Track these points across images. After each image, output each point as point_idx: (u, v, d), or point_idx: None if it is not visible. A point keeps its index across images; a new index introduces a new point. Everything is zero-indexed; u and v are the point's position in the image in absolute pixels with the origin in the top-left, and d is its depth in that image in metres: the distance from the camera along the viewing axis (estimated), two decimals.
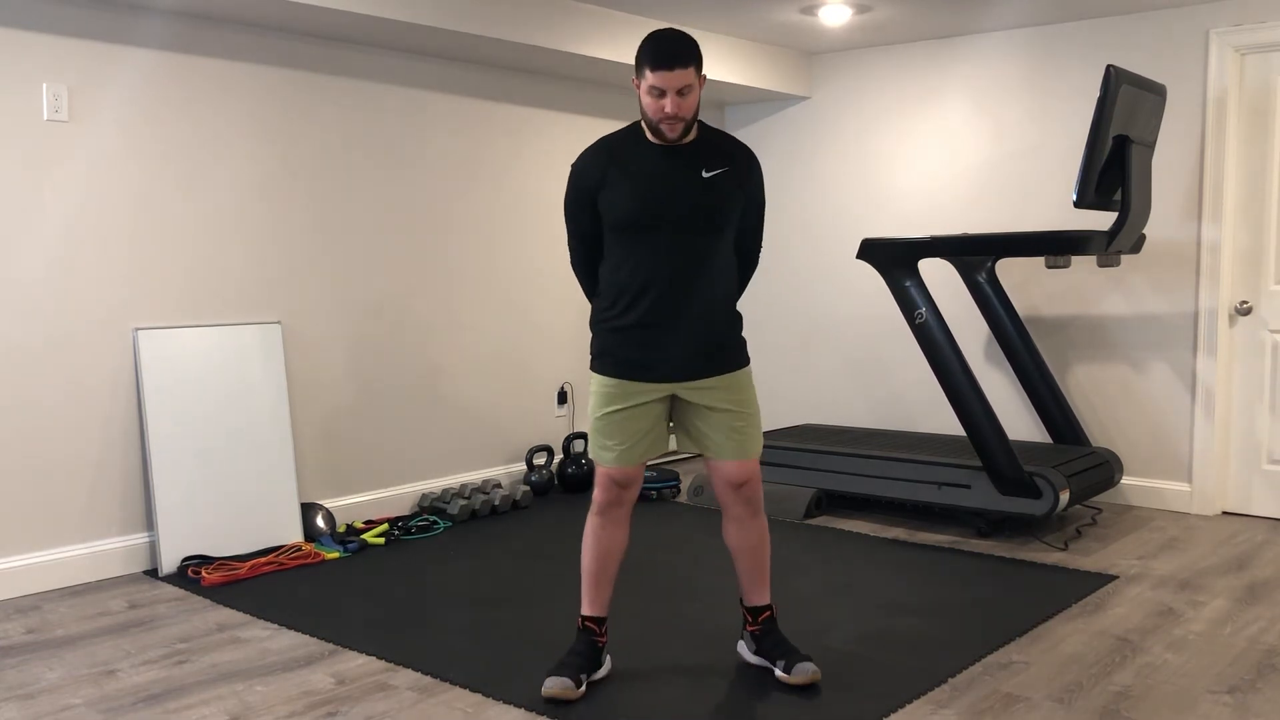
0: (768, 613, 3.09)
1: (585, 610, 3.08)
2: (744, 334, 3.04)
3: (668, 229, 2.85)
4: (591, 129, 5.80)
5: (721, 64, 5.67)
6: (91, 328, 4.00)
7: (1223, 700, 2.90)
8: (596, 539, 3.06)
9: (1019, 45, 5.44)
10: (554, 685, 2.89)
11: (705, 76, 2.84)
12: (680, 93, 2.75)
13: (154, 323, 4.17)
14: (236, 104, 4.36)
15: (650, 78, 2.75)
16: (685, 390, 2.92)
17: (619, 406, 2.91)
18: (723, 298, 2.95)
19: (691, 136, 2.89)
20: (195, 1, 3.99)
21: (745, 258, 3.06)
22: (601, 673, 3.04)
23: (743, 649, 3.18)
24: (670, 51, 2.73)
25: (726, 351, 2.95)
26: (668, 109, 2.76)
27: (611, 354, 2.93)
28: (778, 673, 3.00)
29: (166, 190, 4.18)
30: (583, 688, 2.94)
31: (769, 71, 5.92)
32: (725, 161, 2.89)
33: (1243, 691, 2.96)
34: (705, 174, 2.87)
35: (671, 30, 2.78)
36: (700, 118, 2.92)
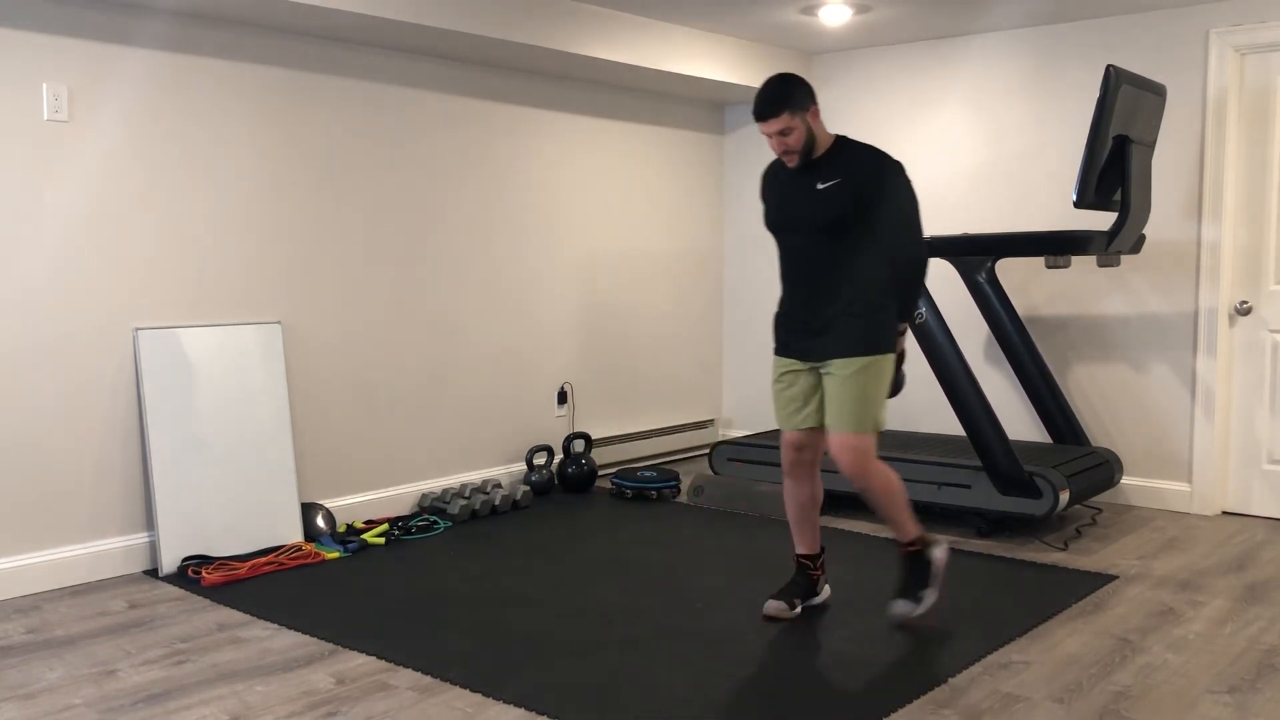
0: (822, 554, 3.68)
1: (797, 550, 3.64)
2: (867, 331, 3.35)
3: (797, 232, 3.43)
4: (592, 129, 5.80)
5: (721, 64, 5.67)
6: (91, 328, 4.00)
7: (1223, 700, 2.90)
8: (789, 496, 3.60)
9: (1019, 45, 5.44)
10: (772, 606, 3.55)
11: (812, 109, 3.32)
12: (781, 134, 3.32)
13: (154, 323, 4.17)
14: (236, 104, 4.36)
15: (758, 126, 3.36)
16: (819, 367, 3.44)
17: (775, 378, 3.55)
18: (839, 293, 3.37)
19: (820, 153, 3.38)
20: (195, 1, 3.99)
21: (892, 256, 3.37)
22: (818, 599, 3.64)
23: (777, 609, 3.58)
24: (759, 108, 3.32)
25: (826, 340, 3.39)
26: (776, 148, 3.38)
27: (775, 334, 3.57)
28: (820, 599, 3.68)
29: (166, 190, 4.18)
30: (797, 609, 3.57)
31: (769, 71, 5.92)
32: (840, 174, 3.34)
33: (1243, 691, 2.96)
34: (820, 186, 3.36)
35: (768, 82, 3.33)
36: (813, 129, 3.36)
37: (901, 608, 3.48)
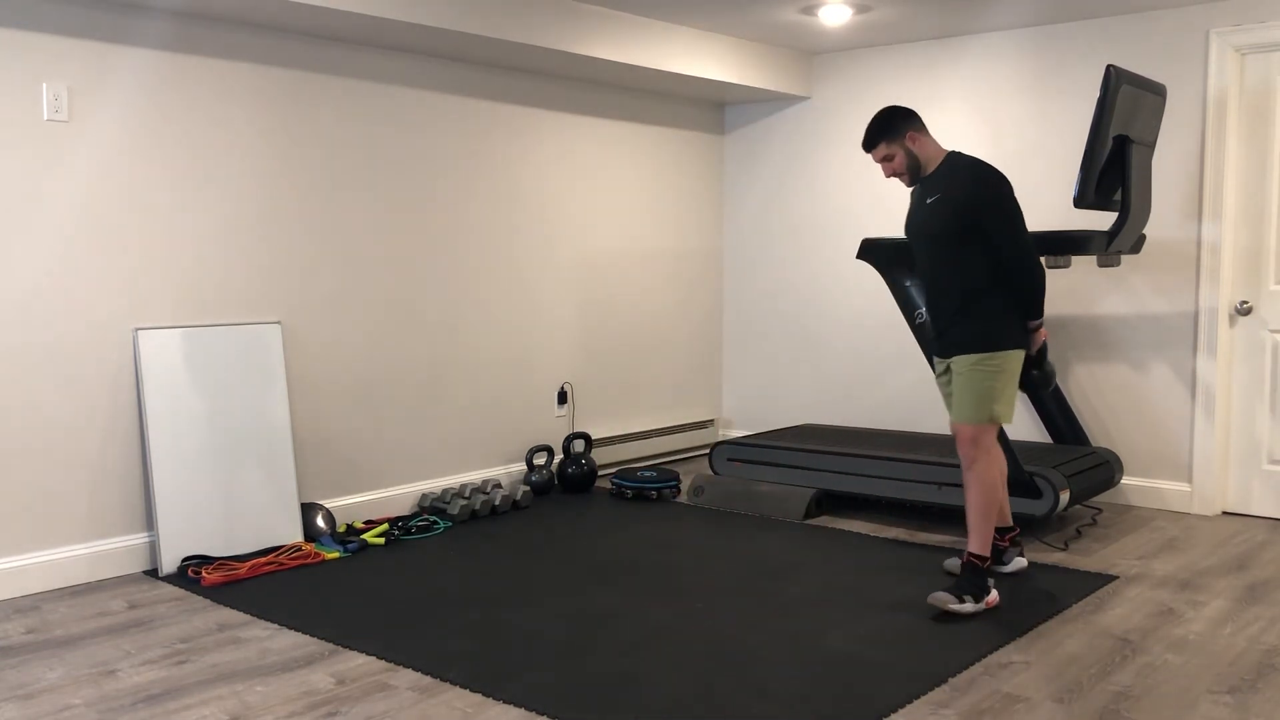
0: (1015, 531, 4.03)
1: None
2: (980, 329, 3.65)
3: (917, 241, 3.80)
4: (592, 129, 5.80)
5: (721, 64, 5.67)
6: (91, 328, 4.00)
7: (1223, 700, 2.90)
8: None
9: (1019, 45, 5.44)
10: (951, 561, 4.06)
11: (909, 134, 3.69)
12: (885, 160, 3.74)
13: (154, 323, 4.17)
14: (237, 104, 4.36)
15: None
16: (950, 364, 3.79)
17: (937, 374, 3.94)
18: (951, 297, 3.70)
19: (930, 171, 3.74)
20: (195, 1, 3.99)
21: (1005, 263, 3.64)
22: (1007, 569, 3.97)
23: (954, 565, 4.05)
24: (863, 142, 3.78)
25: (954, 339, 3.73)
26: (885, 173, 3.78)
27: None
28: (1000, 568, 4.01)
29: (166, 190, 4.18)
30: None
31: (769, 71, 5.92)
32: (941, 188, 3.68)
33: (1243, 691, 2.96)
34: (928, 201, 3.71)
35: (874, 116, 3.75)
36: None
37: (941, 597, 3.60)
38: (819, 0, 4.97)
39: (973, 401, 3.66)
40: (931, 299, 3.80)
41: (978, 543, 3.68)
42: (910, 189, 3.91)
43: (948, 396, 3.84)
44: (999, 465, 3.71)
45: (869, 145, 3.75)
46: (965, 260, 3.66)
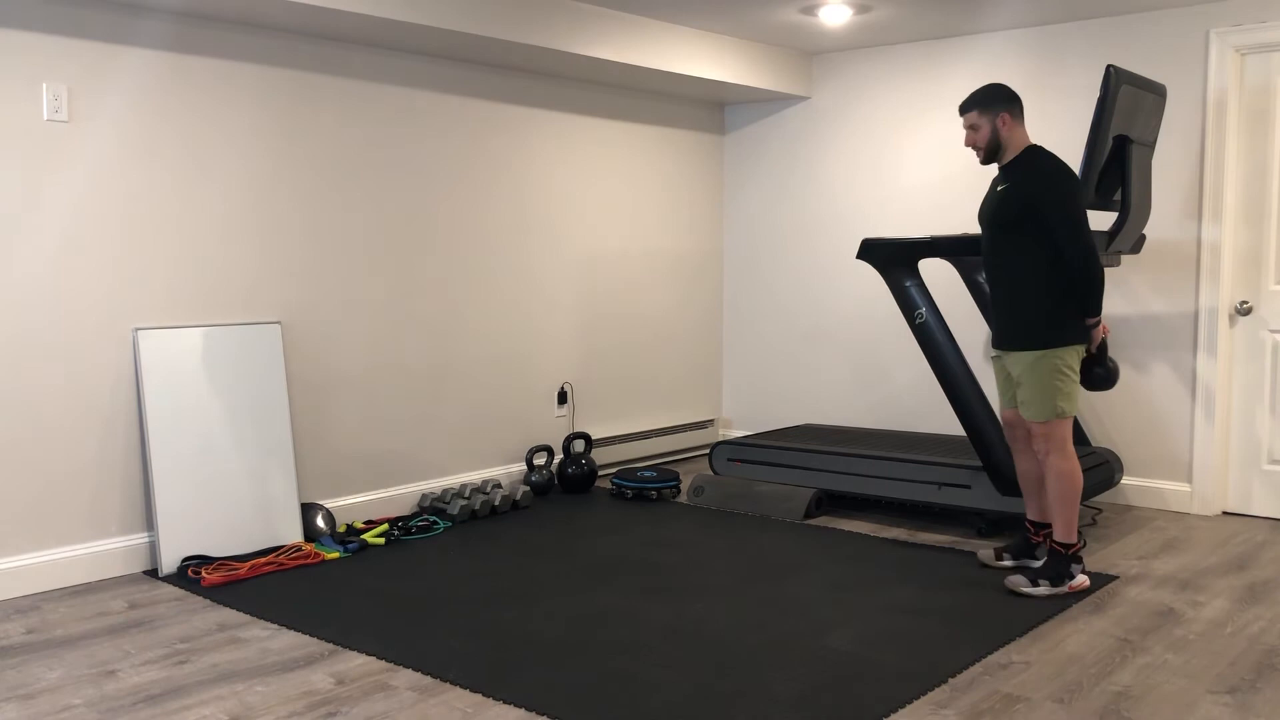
0: (1048, 529, 3.97)
1: (1027, 514, 4.09)
2: (1038, 325, 3.74)
3: (983, 227, 3.89)
4: (592, 129, 5.80)
5: (721, 64, 5.67)
6: (91, 328, 4.00)
7: (1223, 700, 2.90)
8: (1017, 467, 4.05)
9: (1019, 45, 5.44)
10: (984, 553, 4.13)
11: (1003, 115, 3.76)
12: (971, 128, 3.83)
13: (154, 323, 4.17)
14: (236, 104, 4.36)
15: None
16: (1005, 355, 3.88)
17: (993, 357, 4.01)
18: (1013, 286, 3.78)
19: (1007, 159, 3.81)
20: (195, 1, 3.99)
21: (1066, 261, 3.69)
22: (1036, 564, 3.92)
23: (989, 557, 4.11)
24: (963, 101, 3.85)
25: (1010, 332, 3.82)
26: (966, 141, 3.88)
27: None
28: (1024, 564, 4.05)
29: (166, 190, 4.18)
30: (1005, 561, 4.07)
31: (769, 71, 5.93)
32: (1013, 177, 3.77)
33: (1243, 691, 2.96)
34: (999, 189, 3.81)
35: (988, 84, 3.89)
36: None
37: (1018, 579, 3.76)
38: (819, 0, 4.97)
39: (1038, 398, 3.76)
40: (992, 288, 3.88)
41: (1062, 530, 3.79)
42: (991, 178, 3.99)
43: (1001, 383, 3.97)
44: (1070, 467, 3.78)
45: (964, 109, 3.83)
46: (1026, 252, 3.74)
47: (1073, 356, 3.77)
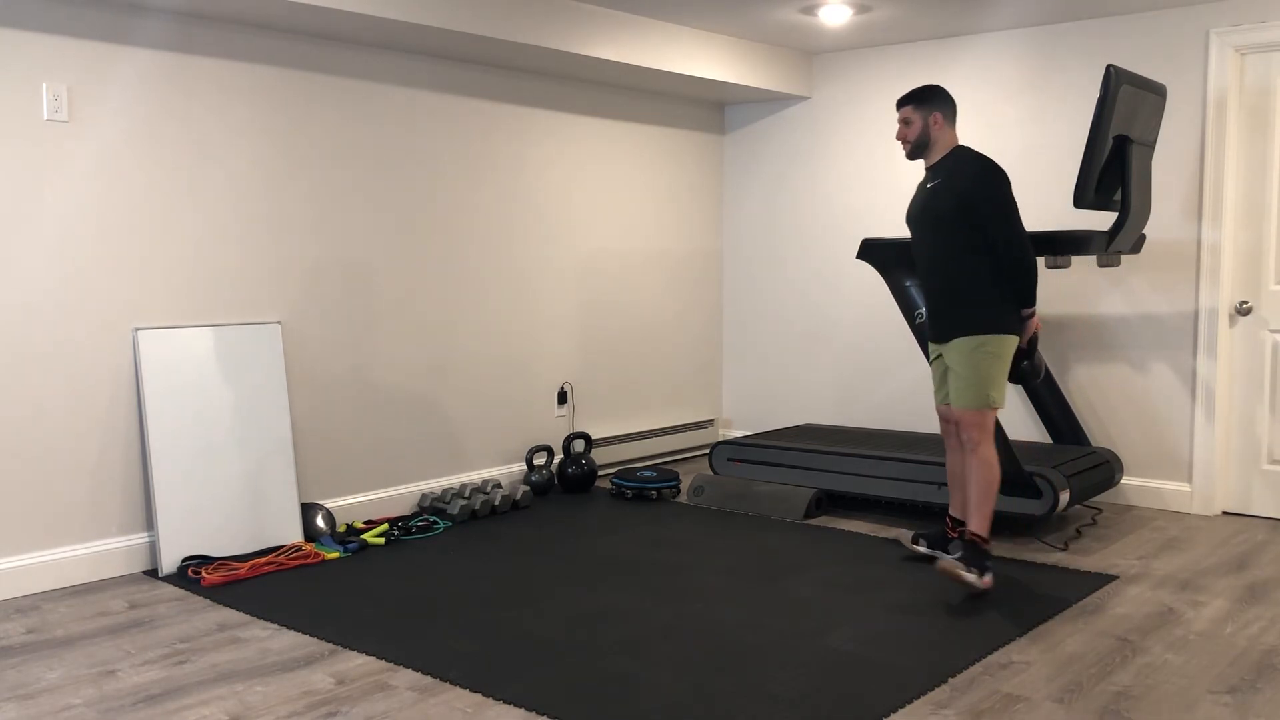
0: (964, 527, 3.95)
1: (949, 508, 4.15)
2: (976, 313, 3.78)
3: (913, 225, 3.95)
4: (592, 129, 5.80)
5: (721, 64, 5.67)
6: (91, 328, 4.00)
7: (1223, 700, 2.90)
8: (947, 461, 4.12)
9: (1019, 45, 5.44)
10: (905, 534, 4.31)
11: (935, 115, 3.83)
12: (904, 121, 3.88)
13: (154, 323, 4.17)
14: (237, 104, 4.36)
15: None
16: (944, 349, 3.91)
17: (931, 358, 4.04)
18: (951, 280, 3.82)
19: (935, 158, 3.88)
20: (195, 1, 3.99)
21: (1000, 253, 3.75)
22: (946, 559, 3.83)
23: (909, 538, 4.24)
24: (901, 96, 3.91)
25: (950, 323, 3.85)
26: (897, 134, 3.94)
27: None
28: (939, 555, 4.13)
29: (167, 190, 4.18)
30: (919, 547, 4.21)
31: (769, 71, 5.93)
32: (943, 175, 3.83)
33: (1243, 691, 2.96)
34: (929, 186, 3.87)
35: (927, 85, 3.90)
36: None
37: (951, 562, 3.75)
38: (819, 0, 4.97)
39: (971, 386, 3.80)
40: (927, 285, 3.92)
41: (979, 523, 3.81)
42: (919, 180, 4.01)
43: (937, 378, 4.00)
44: (994, 459, 3.84)
45: (901, 103, 3.90)
46: (961, 247, 3.79)
47: (1007, 347, 3.80)
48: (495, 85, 5.30)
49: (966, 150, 3.86)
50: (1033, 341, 3.89)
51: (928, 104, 3.85)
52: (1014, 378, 3.92)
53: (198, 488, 4.18)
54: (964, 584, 3.72)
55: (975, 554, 3.79)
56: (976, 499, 3.82)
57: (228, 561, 4.12)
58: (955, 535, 4.08)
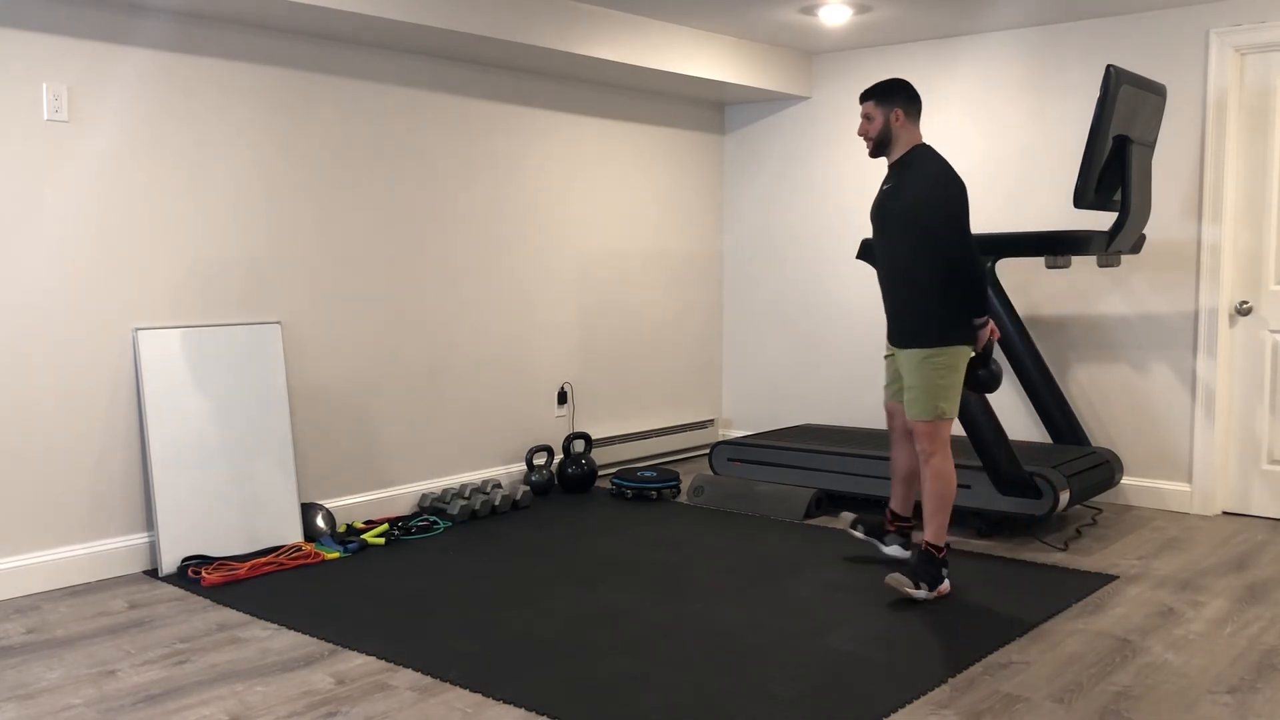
0: (906, 523, 4.08)
1: (890, 501, 4.16)
2: (927, 323, 3.71)
3: (873, 228, 3.87)
4: (592, 129, 5.80)
5: (721, 64, 5.67)
6: (91, 328, 4.00)
7: (1223, 700, 2.90)
8: (892, 455, 4.11)
9: (1019, 45, 5.44)
10: (845, 515, 4.26)
11: (897, 111, 3.74)
12: (866, 117, 3.81)
13: (154, 323, 4.17)
14: (237, 104, 4.36)
15: None
16: (897, 352, 3.87)
17: (886, 352, 4.01)
18: (903, 286, 3.76)
19: (895, 156, 3.79)
20: (195, 1, 3.99)
21: (948, 261, 3.67)
22: (882, 550, 4.03)
23: (848, 520, 4.23)
24: (865, 90, 3.85)
25: (901, 331, 3.81)
26: (859, 130, 3.86)
27: None
28: (879, 544, 4.17)
29: (167, 190, 4.18)
30: (857, 533, 4.21)
31: (769, 71, 5.93)
32: (898, 178, 3.76)
33: (1243, 691, 2.96)
34: (885, 188, 3.81)
35: (891, 79, 3.83)
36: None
37: (899, 578, 3.71)
38: (819, 0, 4.97)
39: (922, 397, 3.74)
40: (883, 286, 3.89)
41: (933, 532, 3.76)
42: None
43: (889, 374, 3.99)
44: (946, 468, 3.77)
45: (863, 97, 3.83)
46: (913, 252, 3.72)
47: (959, 357, 3.73)
48: (495, 85, 5.30)
49: (926, 151, 3.76)
50: (988, 349, 3.78)
51: (890, 99, 3.76)
52: (972, 386, 3.82)
53: (198, 487, 4.18)
54: (912, 598, 3.70)
55: (927, 564, 3.74)
56: (930, 510, 3.75)
57: (228, 561, 4.12)
58: (893, 529, 4.10)
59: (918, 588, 3.69)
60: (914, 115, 3.78)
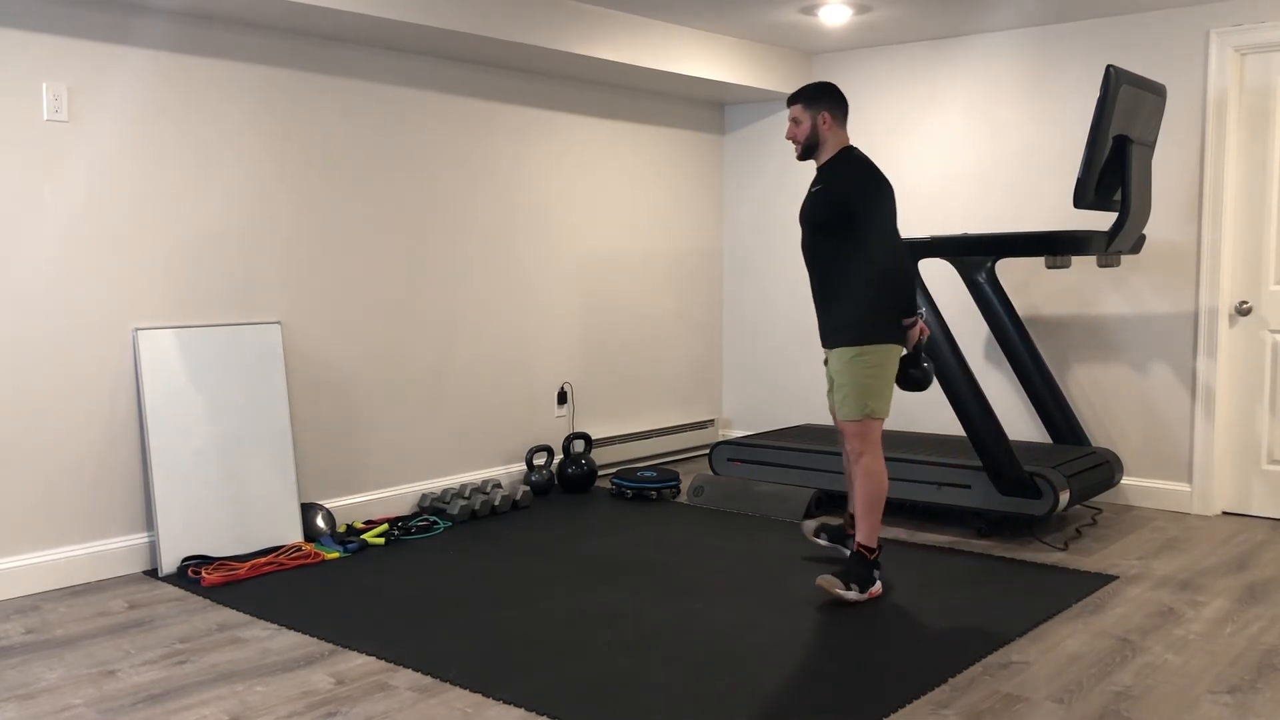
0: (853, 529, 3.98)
1: (849, 506, 4.06)
2: (855, 322, 3.71)
3: (802, 227, 3.87)
4: (592, 129, 5.80)
5: (721, 64, 5.67)
6: (91, 328, 4.00)
7: (1223, 700, 2.90)
8: (844, 459, 4.04)
9: (1019, 45, 5.44)
10: (808, 524, 4.24)
11: (824, 114, 3.75)
12: (794, 121, 3.81)
13: (154, 323, 4.17)
14: (237, 104, 4.36)
15: None
16: (829, 354, 3.85)
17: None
18: (832, 286, 3.77)
19: (824, 159, 3.80)
20: (195, 1, 3.99)
21: (876, 260, 3.67)
22: (845, 553, 3.97)
23: (810, 529, 4.25)
24: (791, 94, 3.85)
25: (830, 330, 3.82)
26: (786, 133, 3.86)
27: None
28: (843, 549, 4.11)
29: (166, 190, 4.18)
30: (820, 541, 4.20)
31: (769, 71, 5.92)
32: (826, 178, 3.76)
33: (1243, 691, 2.96)
34: (812, 190, 3.80)
35: (817, 82, 3.84)
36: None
37: (830, 580, 3.70)
38: (819, 0, 4.97)
39: (851, 397, 3.74)
40: (812, 287, 3.89)
41: (865, 533, 3.77)
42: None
43: (827, 380, 3.92)
44: (877, 468, 3.79)
45: (790, 101, 3.84)
46: (841, 252, 3.72)
47: (888, 356, 3.72)
48: (495, 85, 5.30)
49: (853, 153, 3.77)
50: (919, 348, 3.79)
51: (817, 103, 3.76)
52: (904, 386, 3.83)
53: (198, 488, 4.18)
54: (842, 601, 3.68)
55: (859, 566, 3.74)
56: (861, 510, 3.76)
57: (228, 561, 4.12)
58: (852, 532, 4.04)
59: (849, 589, 3.68)
60: (841, 118, 3.79)
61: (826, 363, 3.91)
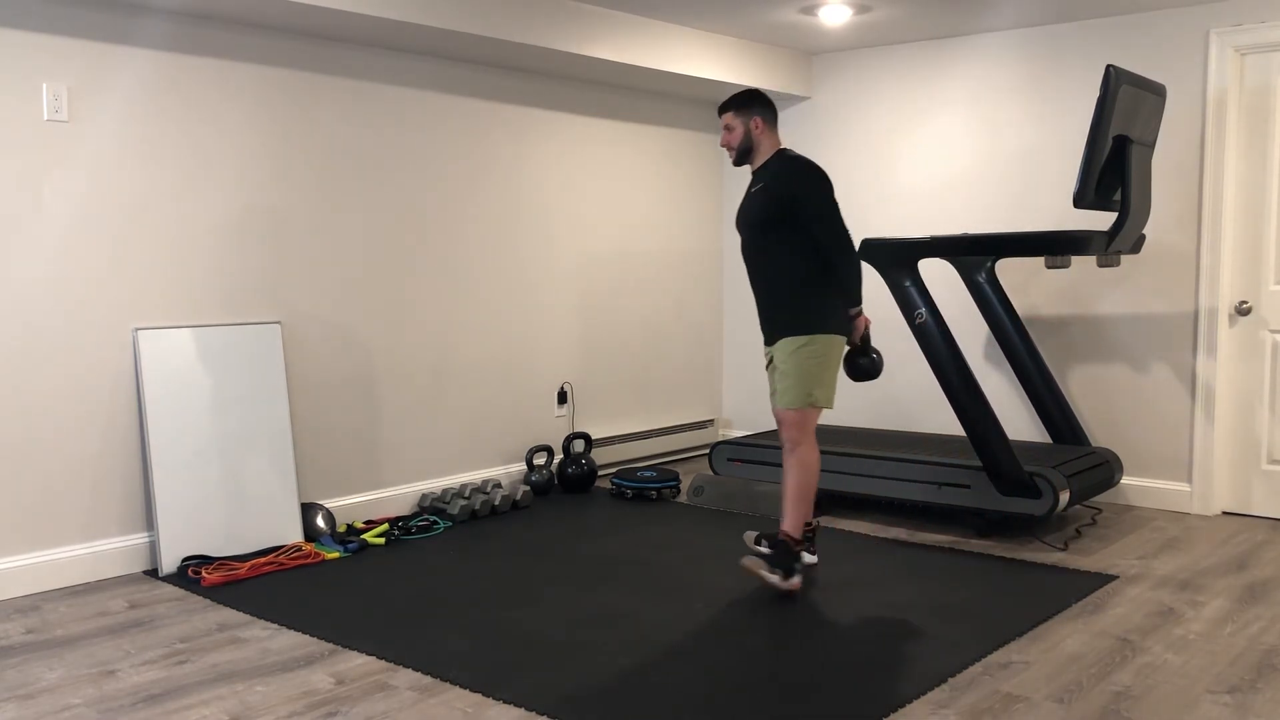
0: (810, 529, 3.99)
1: None
2: (799, 314, 3.78)
3: (740, 229, 3.94)
4: (591, 129, 5.80)
5: (721, 64, 5.67)
6: (91, 328, 4.00)
7: (1223, 700, 2.90)
8: None
9: (1019, 45, 5.44)
10: (748, 534, 4.05)
11: (756, 119, 3.84)
12: (727, 128, 3.91)
13: (154, 323, 4.17)
14: (237, 104, 4.36)
15: None
16: (771, 351, 3.90)
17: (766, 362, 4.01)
18: (775, 282, 3.83)
19: (758, 162, 3.89)
20: (195, 1, 3.99)
21: (823, 252, 3.76)
22: (748, 558, 3.81)
23: (750, 539, 4.09)
24: (722, 103, 3.93)
25: (773, 326, 3.87)
26: (720, 140, 4.04)
27: None
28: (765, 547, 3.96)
29: (166, 190, 4.18)
30: (761, 546, 3.95)
31: (769, 71, 5.92)
32: (765, 179, 3.83)
33: (1243, 691, 2.96)
34: (752, 190, 3.88)
35: (745, 90, 3.93)
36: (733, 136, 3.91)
37: (756, 562, 3.75)
38: (819, 0, 4.97)
39: (794, 386, 3.78)
40: (753, 288, 3.93)
41: (791, 522, 3.80)
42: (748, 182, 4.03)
43: (772, 381, 3.93)
44: (811, 459, 3.82)
45: (721, 110, 3.92)
46: (785, 248, 3.79)
47: (834, 348, 3.80)
48: (495, 85, 5.30)
49: (788, 153, 3.86)
50: (865, 337, 3.89)
51: (748, 109, 3.86)
52: (854, 375, 3.92)
53: (198, 488, 4.18)
54: (766, 584, 3.73)
55: (784, 555, 3.77)
56: (791, 499, 3.79)
57: (228, 561, 4.12)
58: (812, 530, 4.05)
59: (774, 573, 3.73)
60: (772, 122, 3.88)
61: (769, 364, 3.94)
